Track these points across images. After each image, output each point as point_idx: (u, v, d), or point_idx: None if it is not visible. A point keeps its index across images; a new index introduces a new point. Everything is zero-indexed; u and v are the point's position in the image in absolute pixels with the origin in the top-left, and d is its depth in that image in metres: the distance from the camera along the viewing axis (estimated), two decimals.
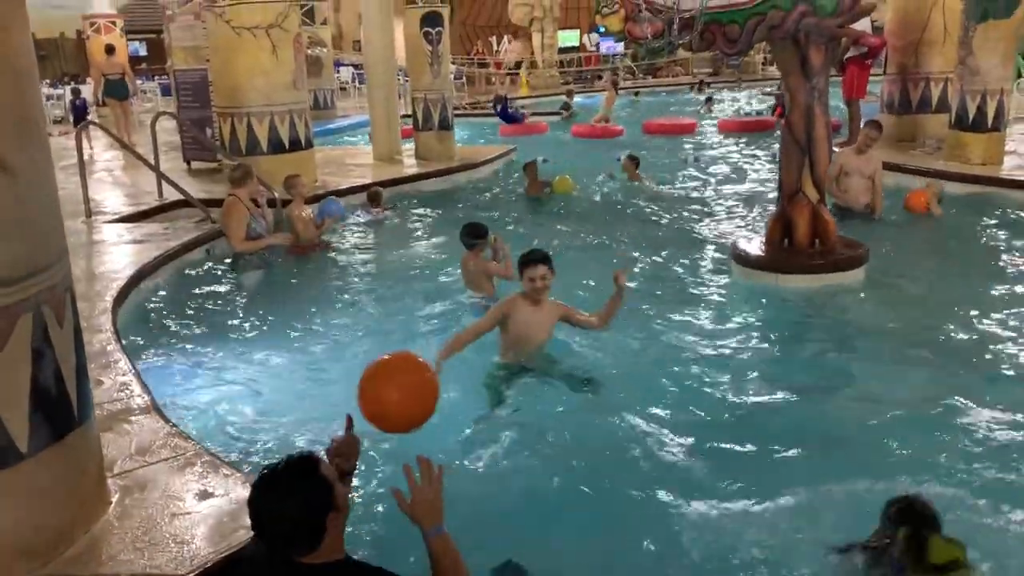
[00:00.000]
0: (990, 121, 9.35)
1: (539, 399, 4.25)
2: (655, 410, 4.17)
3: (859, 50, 10.58)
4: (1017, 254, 6.84)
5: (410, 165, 11.70)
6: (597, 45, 28.40)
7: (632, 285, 5.29)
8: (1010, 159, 9.63)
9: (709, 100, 19.93)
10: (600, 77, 29.48)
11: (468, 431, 3.99)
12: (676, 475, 3.63)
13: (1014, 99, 10.96)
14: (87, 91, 19.93)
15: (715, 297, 6.09)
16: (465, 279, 5.88)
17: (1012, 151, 9.96)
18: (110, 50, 15.38)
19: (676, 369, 4.72)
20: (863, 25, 10.27)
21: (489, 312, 4.51)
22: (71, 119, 15.76)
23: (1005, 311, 5.51)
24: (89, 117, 14.35)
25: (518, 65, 27.87)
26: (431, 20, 11.68)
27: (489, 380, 4.41)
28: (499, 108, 16.92)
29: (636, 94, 22.89)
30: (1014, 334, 5.12)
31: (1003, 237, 7.37)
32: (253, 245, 6.81)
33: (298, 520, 2.08)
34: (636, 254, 7.18)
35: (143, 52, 29.89)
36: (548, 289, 4.40)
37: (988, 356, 4.81)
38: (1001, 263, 6.65)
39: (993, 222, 7.85)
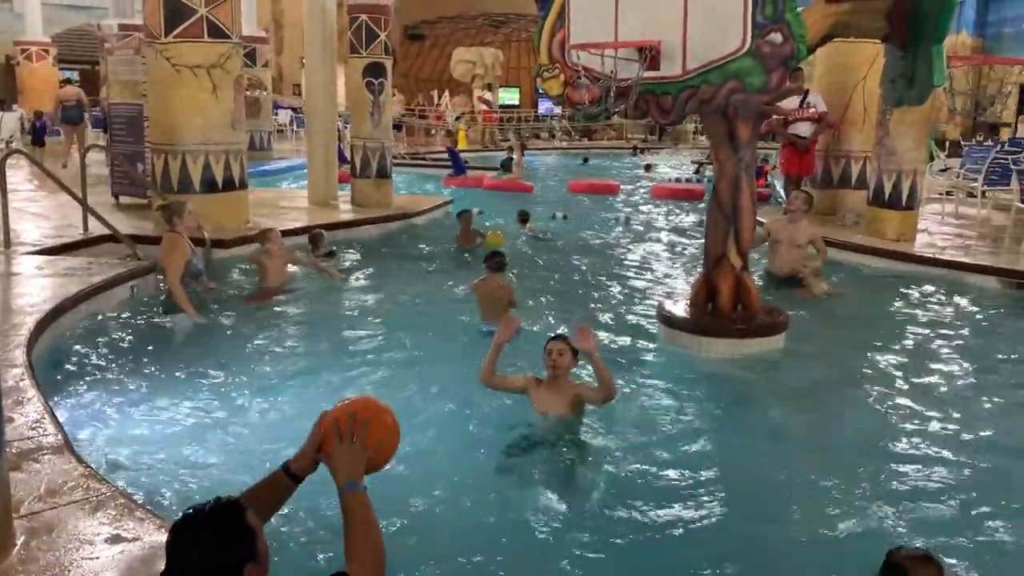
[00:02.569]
0: (904, 199, 9.86)
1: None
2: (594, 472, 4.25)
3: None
4: (924, 326, 7.17)
5: (346, 211, 11.69)
6: (487, 103, 28.94)
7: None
8: (922, 236, 10.15)
9: (648, 167, 20.70)
10: (537, 135, 30.08)
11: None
12: (604, 535, 3.69)
13: (926, 180, 11.57)
14: (11, 117, 19.56)
15: (640, 357, 6.22)
16: (484, 304, 6.45)
17: (924, 229, 10.50)
18: (67, 81, 18.10)
19: (605, 424, 4.80)
20: (820, 102, 10.76)
21: (518, 379, 4.73)
22: (30, 139, 17.82)
23: (913, 380, 5.78)
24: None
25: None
26: (374, 70, 11.80)
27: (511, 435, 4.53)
28: (451, 153, 17.31)
29: (585, 160, 23.36)
30: (920, 401, 5.37)
31: (912, 310, 7.73)
32: (181, 296, 6.40)
33: (216, 568, 2.00)
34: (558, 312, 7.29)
35: (75, 82, 29.27)
36: (563, 368, 4.50)
37: (898, 423, 5.02)
38: (908, 334, 6.96)
39: (904, 295, 8.22)
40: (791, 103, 10.69)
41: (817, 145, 11.46)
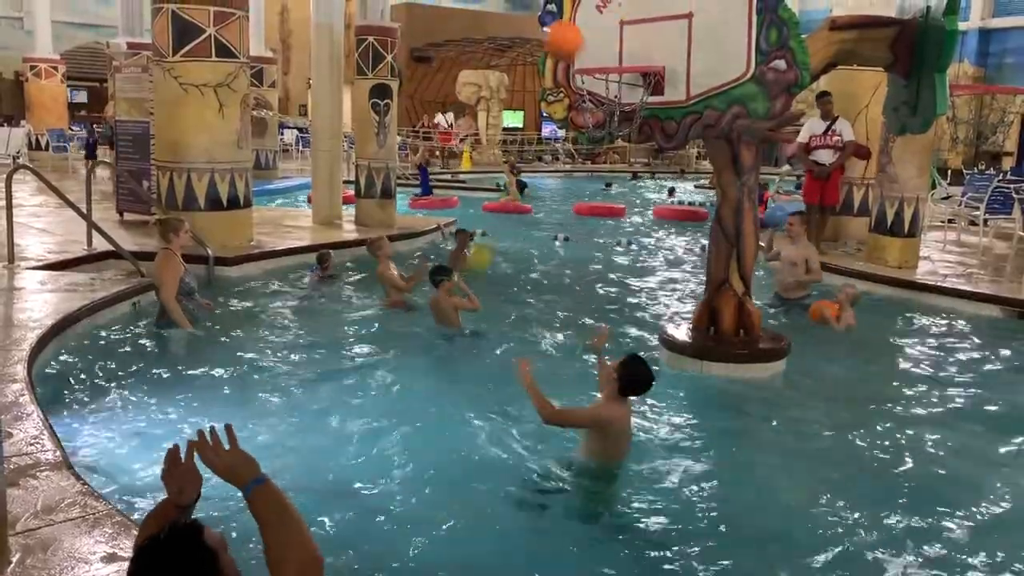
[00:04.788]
0: (907, 227, 9.86)
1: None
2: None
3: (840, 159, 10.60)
4: (924, 354, 7.15)
5: (349, 230, 11.73)
6: (450, 124, 28.84)
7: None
8: (924, 264, 10.15)
9: (671, 191, 20.75)
10: (540, 158, 30.19)
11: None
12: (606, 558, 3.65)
13: (929, 208, 11.58)
14: (20, 133, 19.71)
15: None
16: (437, 316, 6.99)
17: (926, 256, 10.50)
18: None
19: None
20: (847, 130, 10.46)
21: (590, 411, 4.41)
22: (83, 154, 18.43)
23: (913, 406, 5.78)
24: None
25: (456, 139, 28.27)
26: (380, 91, 11.89)
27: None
28: (421, 174, 17.34)
29: (608, 185, 23.28)
30: (919, 427, 5.35)
31: (913, 337, 7.71)
32: (175, 310, 6.42)
33: None
34: (556, 336, 7.28)
35: (83, 99, 29.52)
36: (604, 380, 4.32)
37: (896, 449, 4.99)
38: (909, 361, 6.95)
39: (905, 322, 8.21)
40: (818, 128, 10.53)
41: (844, 174, 10.96)
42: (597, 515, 4.07)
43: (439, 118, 28.95)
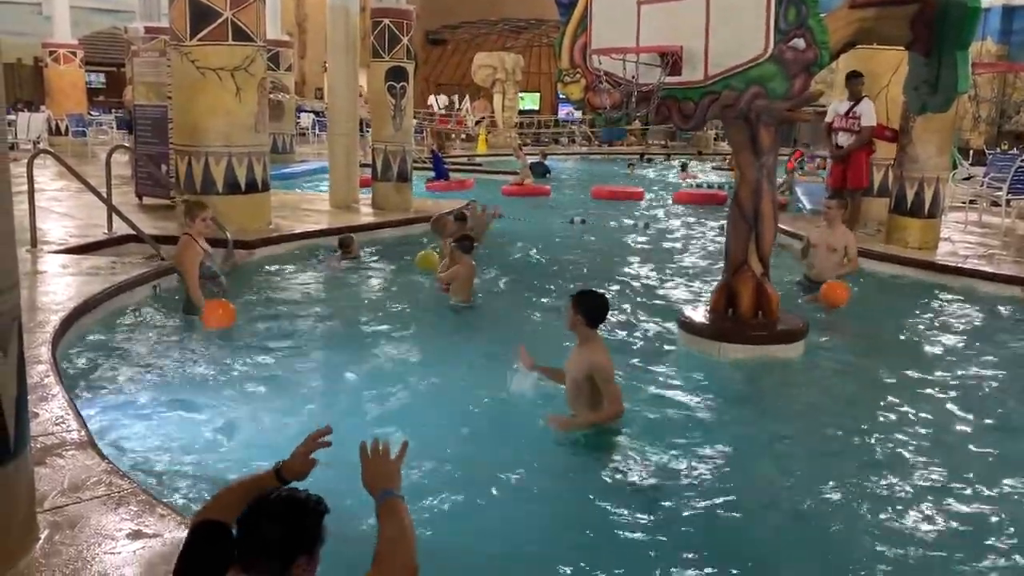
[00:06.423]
0: (927, 207, 9.77)
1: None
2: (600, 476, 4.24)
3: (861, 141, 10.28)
4: (943, 336, 7.10)
5: (366, 214, 11.77)
6: (444, 107, 28.38)
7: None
8: (944, 245, 10.05)
9: (684, 167, 20.55)
10: (557, 141, 30.11)
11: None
12: (614, 542, 3.68)
13: (949, 188, 11.45)
14: (40, 119, 19.82)
15: (659, 361, 6.20)
16: (457, 286, 7.18)
17: (947, 238, 10.40)
18: None
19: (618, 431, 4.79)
20: (867, 113, 10.12)
21: (609, 369, 4.55)
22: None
23: (933, 389, 5.74)
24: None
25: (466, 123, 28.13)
26: (396, 74, 11.88)
27: None
28: (433, 159, 17.30)
29: (630, 166, 23.08)
30: (938, 409, 5.34)
31: (934, 319, 7.66)
32: (196, 296, 6.41)
33: (280, 538, 2.06)
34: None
35: (101, 84, 29.68)
36: (570, 326, 4.59)
37: (914, 432, 4.98)
38: (929, 344, 6.90)
39: (925, 304, 8.15)
40: (842, 109, 10.29)
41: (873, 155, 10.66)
42: (611, 488, 4.10)
43: (431, 100, 28.53)
